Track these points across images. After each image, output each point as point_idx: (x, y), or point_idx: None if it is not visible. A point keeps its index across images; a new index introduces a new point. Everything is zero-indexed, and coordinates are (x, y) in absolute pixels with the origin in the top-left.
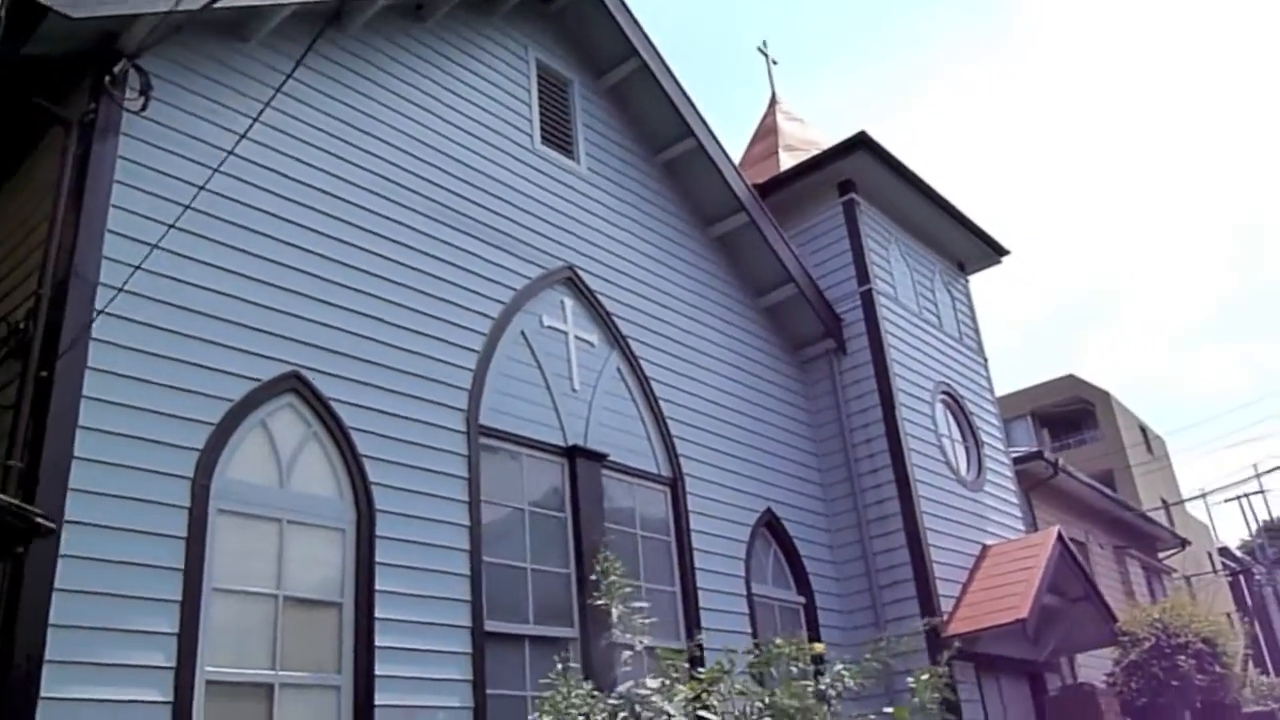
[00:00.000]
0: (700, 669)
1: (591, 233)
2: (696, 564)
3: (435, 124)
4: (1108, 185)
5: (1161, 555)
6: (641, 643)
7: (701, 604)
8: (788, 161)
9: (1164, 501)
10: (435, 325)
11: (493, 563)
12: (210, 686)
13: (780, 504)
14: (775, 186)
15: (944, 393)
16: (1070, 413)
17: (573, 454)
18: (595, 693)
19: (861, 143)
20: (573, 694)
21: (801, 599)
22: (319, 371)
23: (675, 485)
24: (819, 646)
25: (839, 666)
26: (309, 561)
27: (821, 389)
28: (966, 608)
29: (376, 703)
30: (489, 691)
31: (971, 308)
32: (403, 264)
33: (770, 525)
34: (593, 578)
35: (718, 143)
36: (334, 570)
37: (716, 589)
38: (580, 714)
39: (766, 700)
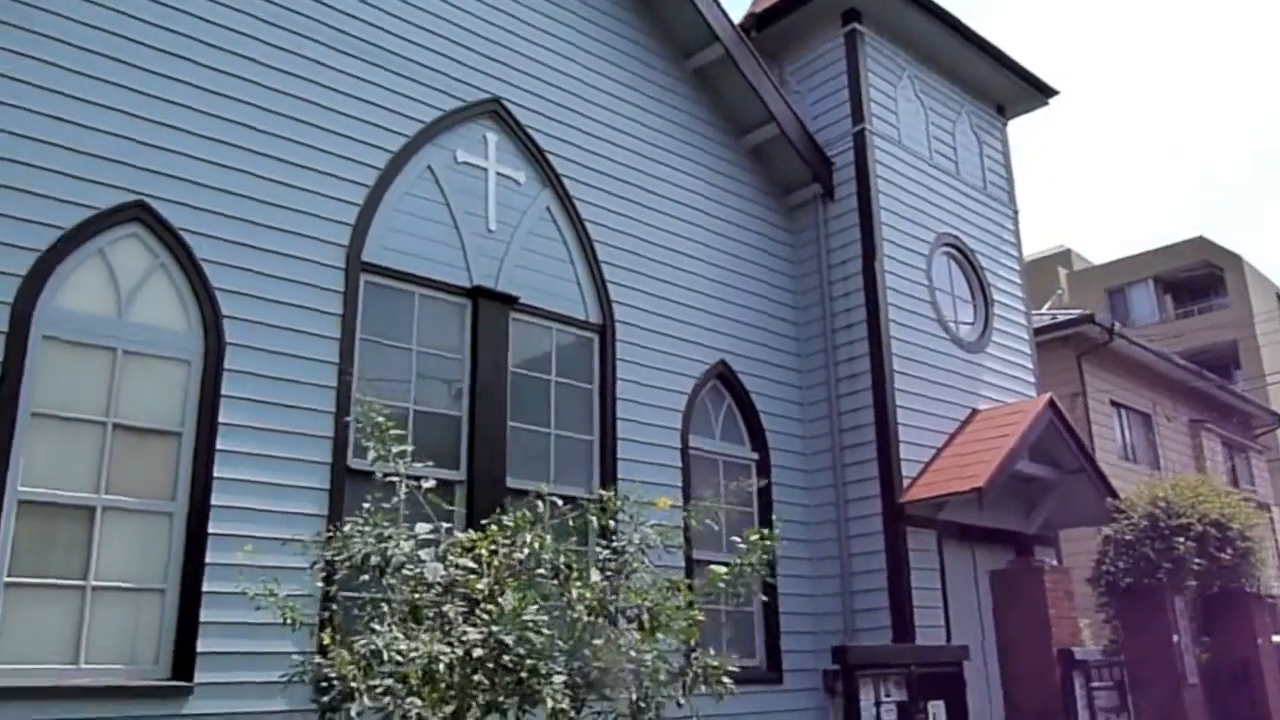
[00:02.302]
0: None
1: (530, 63)
2: (620, 414)
3: None
4: None
5: (1259, 432)
6: (413, 484)
7: (621, 454)
8: None
9: None
10: (316, 157)
11: (370, 401)
12: (22, 506)
13: (739, 356)
14: (773, 16)
15: (949, 244)
16: (1197, 278)
17: (476, 295)
18: (383, 532)
19: None
20: (362, 530)
21: (755, 456)
22: (170, 201)
23: (604, 331)
24: (664, 500)
25: (648, 524)
26: (147, 391)
27: (807, 237)
28: (932, 473)
29: (211, 531)
30: None
31: (1006, 154)
32: (281, 91)
33: (723, 377)
34: (347, 419)
35: None
36: (174, 401)
37: (643, 440)
38: (345, 550)
39: (525, 553)
